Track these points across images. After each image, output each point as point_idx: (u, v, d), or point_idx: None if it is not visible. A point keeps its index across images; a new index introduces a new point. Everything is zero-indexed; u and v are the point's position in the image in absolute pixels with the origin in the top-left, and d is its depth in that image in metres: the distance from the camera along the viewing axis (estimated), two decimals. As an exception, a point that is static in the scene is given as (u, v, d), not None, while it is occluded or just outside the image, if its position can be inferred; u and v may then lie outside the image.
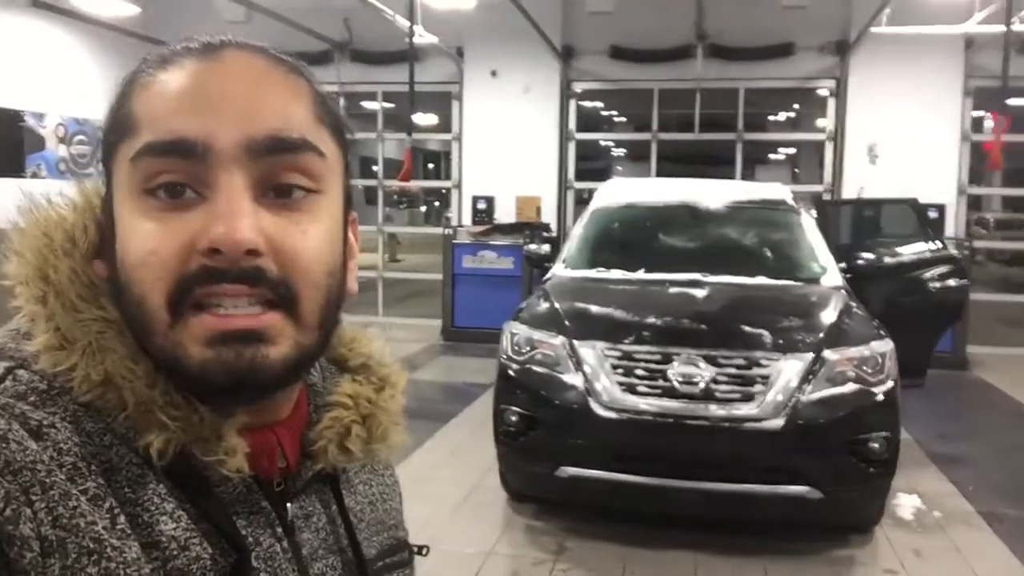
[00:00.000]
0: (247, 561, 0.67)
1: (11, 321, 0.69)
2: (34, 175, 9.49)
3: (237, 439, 0.67)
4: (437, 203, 27.48)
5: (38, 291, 0.67)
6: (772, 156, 27.22)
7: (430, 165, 27.43)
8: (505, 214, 10.31)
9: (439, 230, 10.61)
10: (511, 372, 4.50)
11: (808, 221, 5.64)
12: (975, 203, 11.81)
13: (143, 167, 0.64)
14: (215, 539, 0.65)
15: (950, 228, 9.44)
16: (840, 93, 9.93)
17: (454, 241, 9.75)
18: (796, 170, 26.25)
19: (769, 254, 5.44)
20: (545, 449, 4.32)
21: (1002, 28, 6.79)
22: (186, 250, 0.63)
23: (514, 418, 4.37)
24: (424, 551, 0.91)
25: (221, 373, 0.64)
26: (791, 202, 5.78)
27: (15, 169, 9.25)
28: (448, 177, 11.70)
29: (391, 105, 11.45)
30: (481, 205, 10.38)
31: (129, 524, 0.61)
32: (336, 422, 0.77)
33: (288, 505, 0.74)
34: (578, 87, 10.63)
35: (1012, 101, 8.80)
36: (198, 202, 0.64)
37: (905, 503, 5.01)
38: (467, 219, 10.44)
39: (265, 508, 0.72)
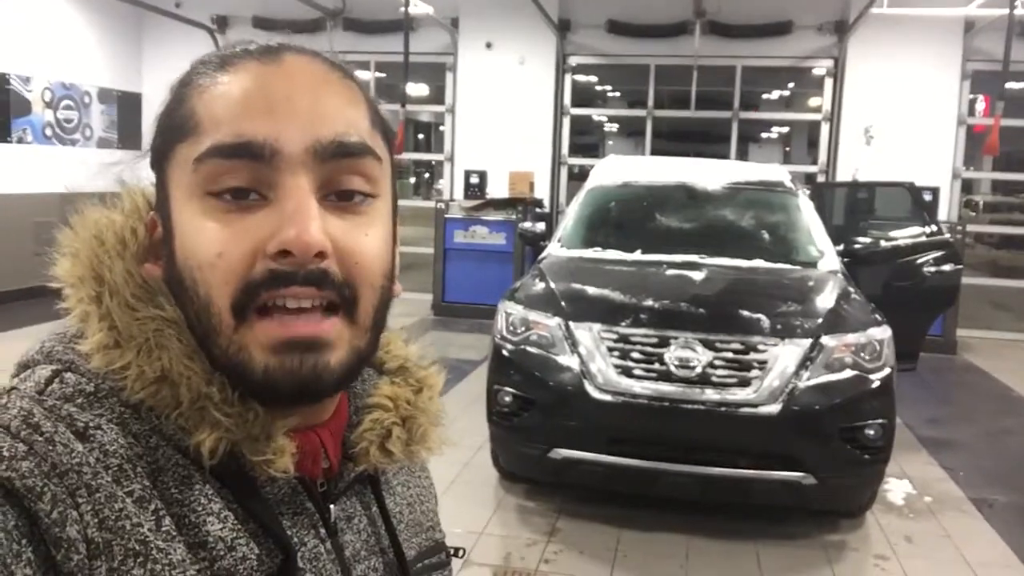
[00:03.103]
0: (293, 561, 0.67)
1: (57, 324, 0.70)
2: (20, 140, 9.35)
3: (285, 440, 0.67)
4: (427, 175, 27.33)
5: (92, 291, 0.67)
6: (764, 135, 27.12)
7: (420, 136, 27.22)
8: (498, 189, 10.21)
9: (429, 203, 10.50)
10: (505, 352, 4.45)
11: (806, 203, 5.58)
12: (965, 186, 11.80)
13: (207, 169, 0.64)
14: (261, 539, 0.66)
15: (943, 211, 9.45)
16: (838, 73, 9.87)
17: (446, 215, 9.65)
18: (787, 149, 26.17)
19: (767, 237, 5.39)
20: (539, 430, 4.28)
21: (1004, 11, 6.73)
22: (253, 253, 0.63)
23: (508, 399, 4.33)
24: (461, 553, 0.92)
25: (286, 380, 0.64)
26: (789, 184, 5.73)
27: (1, 133, 9.12)
28: (438, 149, 11.59)
29: (383, 75, 11.31)
30: (474, 179, 10.29)
31: (175, 525, 0.61)
32: (377, 424, 0.77)
33: (331, 506, 0.75)
34: (573, 61, 10.51)
35: (1009, 85, 8.75)
36: (262, 205, 0.64)
37: (896, 488, 5.02)
38: (458, 193, 10.35)
39: (309, 509, 0.72)
